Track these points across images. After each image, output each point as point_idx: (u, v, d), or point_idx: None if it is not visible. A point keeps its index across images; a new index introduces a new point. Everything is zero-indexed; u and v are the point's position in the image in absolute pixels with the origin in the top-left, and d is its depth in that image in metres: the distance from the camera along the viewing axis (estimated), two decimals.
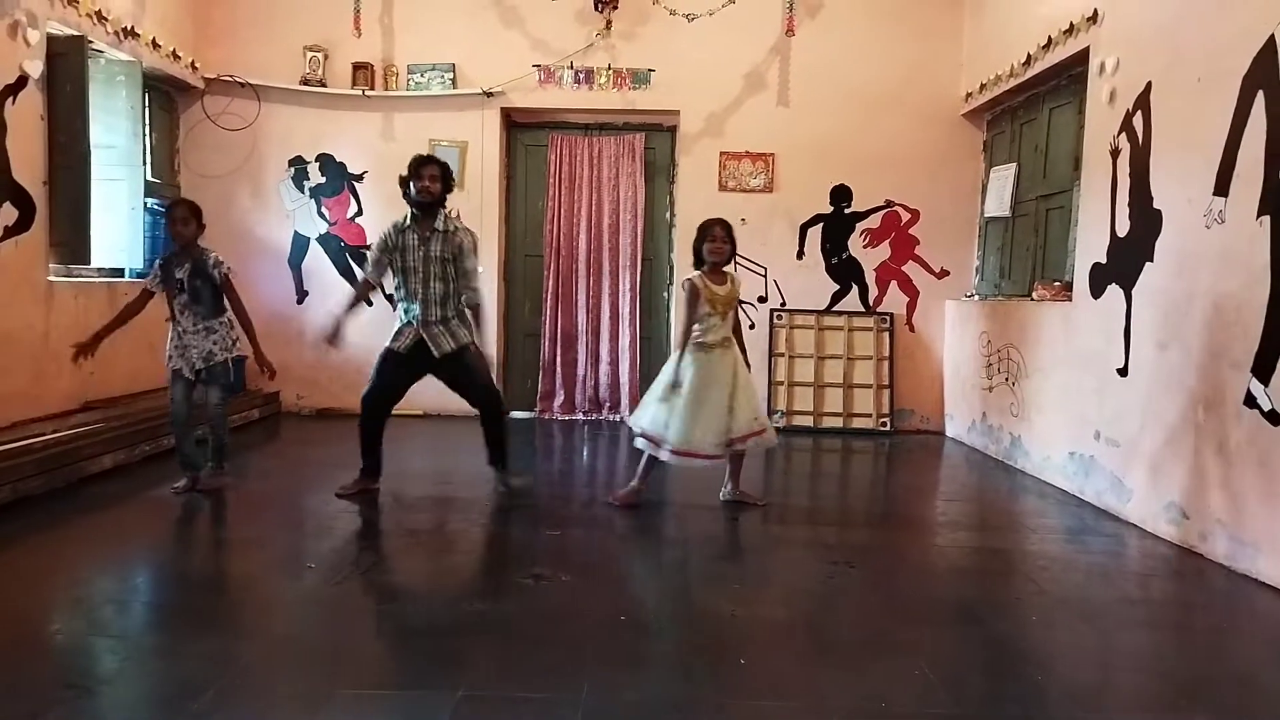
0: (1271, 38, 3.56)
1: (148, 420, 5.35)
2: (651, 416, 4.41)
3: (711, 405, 4.33)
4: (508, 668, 2.67)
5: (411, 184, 4.43)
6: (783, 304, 7.16)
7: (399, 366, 4.52)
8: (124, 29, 5.94)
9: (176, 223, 4.48)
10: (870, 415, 7.05)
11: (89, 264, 5.69)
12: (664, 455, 4.35)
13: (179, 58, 6.63)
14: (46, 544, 3.82)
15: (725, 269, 4.48)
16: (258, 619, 3.08)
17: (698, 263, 4.47)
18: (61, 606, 3.11)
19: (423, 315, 4.44)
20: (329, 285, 7.23)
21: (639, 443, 4.47)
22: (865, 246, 7.19)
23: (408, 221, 4.47)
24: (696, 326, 4.38)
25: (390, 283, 4.60)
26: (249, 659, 2.68)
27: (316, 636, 2.92)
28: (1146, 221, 4.41)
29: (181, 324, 4.47)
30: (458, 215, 4.61)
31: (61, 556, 3.66)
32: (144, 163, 6.37)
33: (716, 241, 4.39)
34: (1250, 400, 3.62)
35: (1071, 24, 5.22)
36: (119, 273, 6.17)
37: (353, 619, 3.12)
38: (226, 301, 4.57)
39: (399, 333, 4.52)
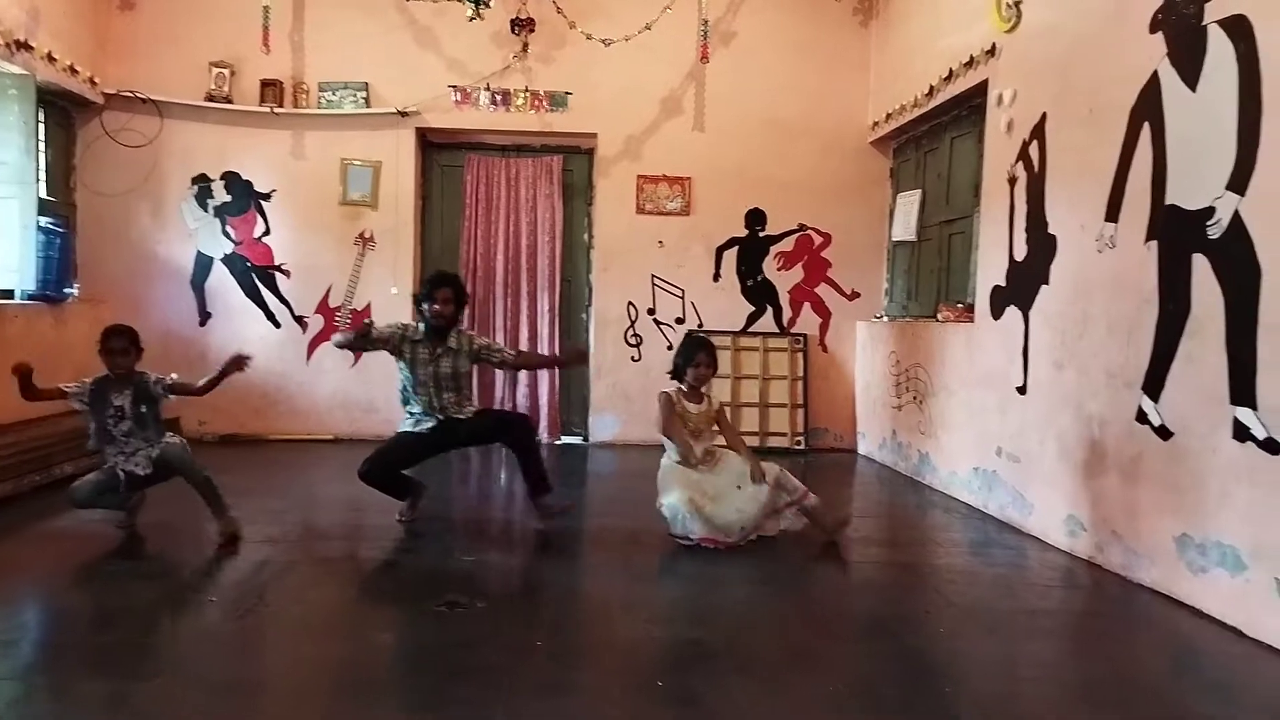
0: (1155, 74, 3.77)
1: (36, 449, 5.07)
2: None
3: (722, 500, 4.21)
4: (421, 699, 2.61)
5: (424, 305, 4.42)
6: (700, 325, 7.23)
7: (421, 444, 4.48)
8: (16, 41, 5.68)
9: (115, 354, 4.02)
10: (786, 434, 7.15)
11: None
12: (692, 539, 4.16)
13: (76, 72, 6.38)
14: None
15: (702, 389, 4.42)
16: (154, 657, 2.94)
17: (676, 376, 4.42)
18: None
19: (442, 412, 4.45)
20: (233, 306, 7.02)
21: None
22: (779, 269, 7.33)
23: (420, 334, 4.44)
24: (672, 446, 4.32)
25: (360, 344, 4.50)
26: (144, 700, 2.56)
27: (217, 674, 2.79)
28: (1042, 246, 4.60)
29: (124, 447, 4.13)
30: (469, 329, 4.67)
31: None
32: (37, 180, 6.09)
33: (701, 368, 4.35)
34: (1142, 417, 3.79)
35: (971, 57, 5.44)
36: (8, 294, 5.87)
37: (256, 655, 3.01)
38: (182, 397, 4.26)
39: (416, 423, 4.48)
